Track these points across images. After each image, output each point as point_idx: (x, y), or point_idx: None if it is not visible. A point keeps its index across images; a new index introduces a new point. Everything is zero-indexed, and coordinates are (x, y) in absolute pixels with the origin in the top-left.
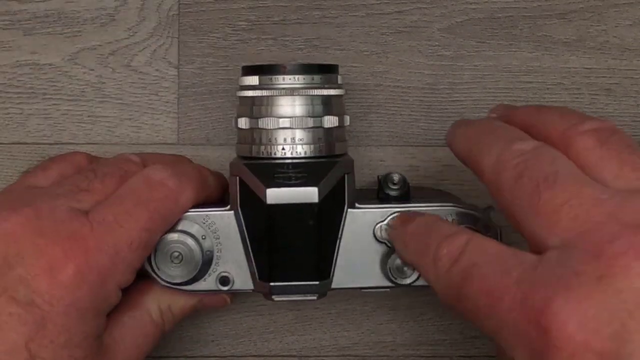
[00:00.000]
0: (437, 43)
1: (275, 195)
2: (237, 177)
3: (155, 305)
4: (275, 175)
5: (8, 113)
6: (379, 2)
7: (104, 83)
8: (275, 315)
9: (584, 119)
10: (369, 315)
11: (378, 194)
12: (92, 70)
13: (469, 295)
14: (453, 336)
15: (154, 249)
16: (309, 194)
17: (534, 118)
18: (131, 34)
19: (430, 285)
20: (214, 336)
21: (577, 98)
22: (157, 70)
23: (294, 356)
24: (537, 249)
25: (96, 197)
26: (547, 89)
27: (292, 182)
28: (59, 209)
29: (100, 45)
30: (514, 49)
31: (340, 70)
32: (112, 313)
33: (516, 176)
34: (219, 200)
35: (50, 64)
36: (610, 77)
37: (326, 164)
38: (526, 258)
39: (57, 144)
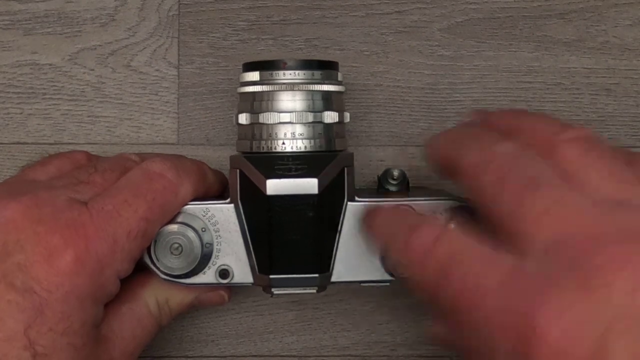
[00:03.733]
0: (437, 43)
1: (275, 186)
2: (238, 170)
3: (153, 298)
4: (276, 167)
5: (8, 113)
6: (379, 2)
7: (104, 83)
8: (275, 315)
9: (567, 127)
10: (368, 315)
11: (378, 190)
12: (92, 70)
13: (448, 294)
14: None
15: (153, 240)
16: (309, 185)
17: (514, 123)
18: (131, 34)
19: (403, 278)
20: (214, 336)
21: (577, 98)
22: (157, 70)
23: (294, 356)
24: (517, 250)
25: (95, 190)
26: (547, 89)
27: (292, 173)
28: (58, 199)
29: (100, 45)
30: (514, 49)
31: (340, 70)
32: (111, 304)
33: (497, 180)
34: (219, 196)
35: (50, 64)
36: (610, 77)
37: (326, 157)
38: (507, 259)
39: (57, 144)
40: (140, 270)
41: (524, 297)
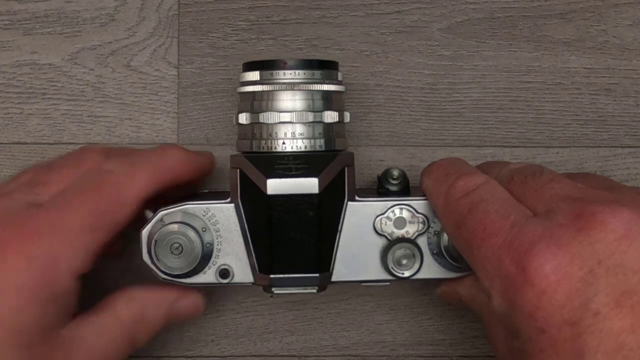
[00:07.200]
0: (437, 43)
1: (276, 185)
2: (238, 169)
3: (125, 311)
4: (276, 167)
5: (8, 113)
6: (379, 2)
7: (103, 83)
8: (275, 315)
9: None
10: (368, 315)
11: (378, 190)
12: (92, 70)
13: (468, 225)
14: (453, 336)
15: (154, 240)
16: (310, 184)
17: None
18: (131, 34)
19: (436, 211)
20: (214, 336)
21: (577, 98)
22: (157, 70)
23: (294, 356)
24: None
25: (52, 189)
26: (547, 89)
27: (293, 173)
28: (13, 200)
29: (100, 45)
30: (514, 49)
31: (340, 70)
32: (82, 313)
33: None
34: (218, 194)
35: (50, 64)
36: (610, 77)
37: (327, 157)
38: (525, 210)
39: (57, 143)
40: (117, 287)
41: (528, 235)
